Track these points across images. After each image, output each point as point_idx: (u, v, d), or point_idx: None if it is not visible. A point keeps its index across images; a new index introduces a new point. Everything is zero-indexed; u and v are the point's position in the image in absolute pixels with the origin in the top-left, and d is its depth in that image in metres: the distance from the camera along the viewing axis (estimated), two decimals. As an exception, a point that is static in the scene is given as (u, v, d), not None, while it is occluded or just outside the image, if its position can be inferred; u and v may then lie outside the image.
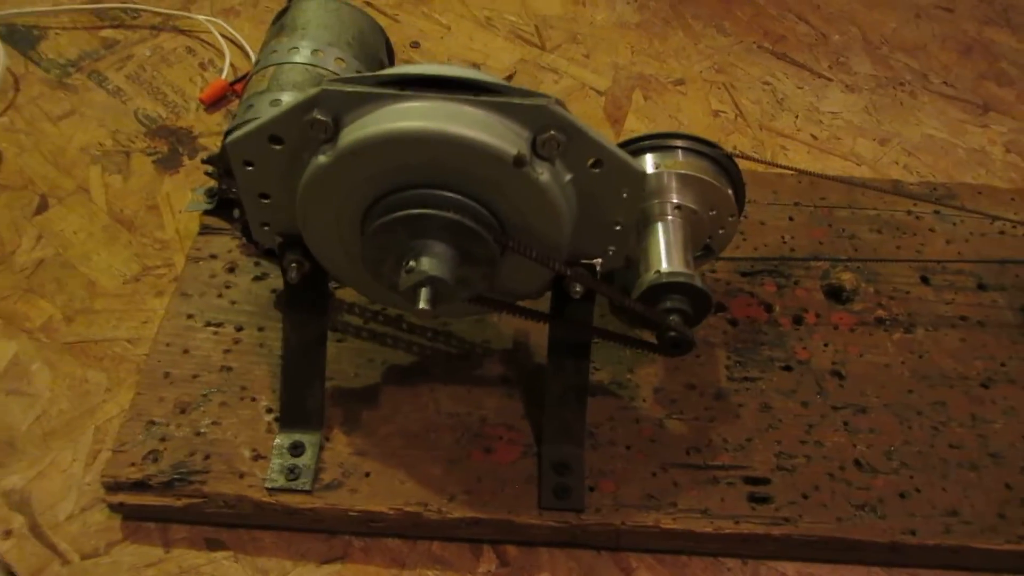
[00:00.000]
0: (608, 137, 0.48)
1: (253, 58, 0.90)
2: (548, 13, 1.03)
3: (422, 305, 0.46)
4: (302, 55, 0.67)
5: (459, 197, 0.47)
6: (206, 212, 0.69)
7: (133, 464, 0.57)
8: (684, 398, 0.64)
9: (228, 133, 0.62)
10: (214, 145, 0.83)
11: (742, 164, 0.63)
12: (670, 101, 0.93)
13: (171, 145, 0.83)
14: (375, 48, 0.73)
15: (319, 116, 0.46)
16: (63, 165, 0.80)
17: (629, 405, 0.63)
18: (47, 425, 0.62)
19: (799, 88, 0.97)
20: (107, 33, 0.93)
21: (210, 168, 0.66)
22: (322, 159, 0.47)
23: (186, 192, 0.79)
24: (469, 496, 0.57)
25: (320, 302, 0.58)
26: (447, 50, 0.96)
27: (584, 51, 0.98)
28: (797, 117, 0.93)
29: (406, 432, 0.60)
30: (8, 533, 0.57)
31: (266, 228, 0.54)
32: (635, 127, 0.89)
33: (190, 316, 0.66)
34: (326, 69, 0.67)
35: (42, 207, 0.77)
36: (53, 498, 0.59)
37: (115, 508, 0.57)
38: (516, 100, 0.46)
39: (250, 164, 0.51)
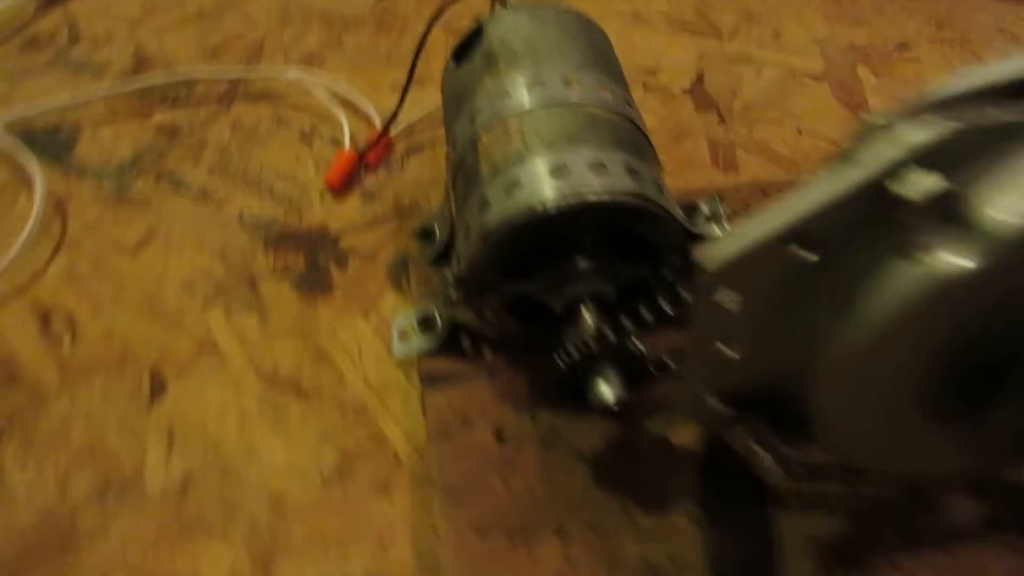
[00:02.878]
0: None
1: (374, 116, 0.66)
2: (703, -7, 0.81)
3: None
4: (551, 90, 0.44)
5: None
6: (430, 354, 0.46)
7: None
8: None
9: (489, 235, 0.39)
10: (368, 244, 0.59)
11: None
12: (905, 73, 0.72)
13: (308, 255, 0.58)
14: (614, 61, 0.51)
15: (943, 186, 0.23)
16: (167, 316, 0.55)
17: None
18: None
19: (1043, 29, 0.77)
20: (161, 118, 0.68)
21: (454, 292, 0.42)
22: (951, 263, 0.24)
23: (356, 321, 0.54)
24: None
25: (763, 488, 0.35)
26: (602, 60, 0.74)
27: (770, 30, 0.76)
28: (1065, 64, 0.73)
29: None
30: None
31: (711, 398, 0.31)
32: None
33: (479, 530, 0.41)
34: (600, 107, 0.44)
35: (158, 389, 0.51)
36: None
37: None
38: None
39: (733, 291, 0.27)
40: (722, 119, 0.67)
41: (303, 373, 0.52)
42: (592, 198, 0.38)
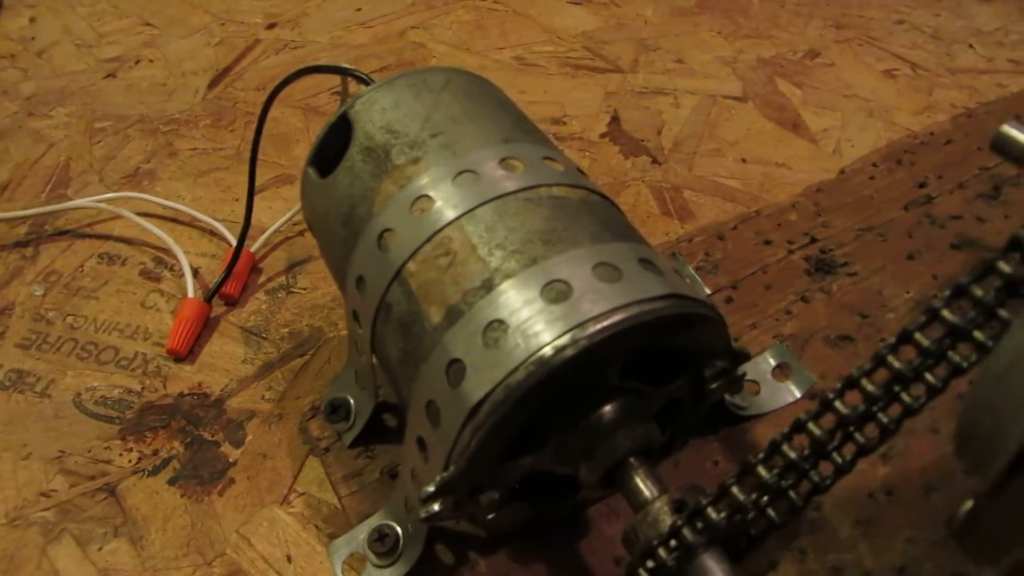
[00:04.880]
0: None
1: (228, 234, 0.51)
2: (587, 28, 0.72)
3: None
4: (489, 178, 0.32)
5: None
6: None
7: None
8: None
9: (479, 413, 0.26)
10: (267, 400, 0.44)
11: None
12: (827, 80, 0.66)
13: (185, 434, 0.43)
14: (530, 121, 0.39)
15: None
16: (-11, 575, 0.38)
17: None
18: None
19: (937, 15, 0.73)
20: (-60, 284, 0.51)
21: (431, 506, 0.29)
22: None
23: (273, 513, 0.39)
24: None
25: None
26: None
27: (672, 57, 0.68)
28: (971, 47, 0.69)
29: None
30: None
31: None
32: (822, 126, 0.60)
33: None
34: (560, 186, 0.32)
35: None
36: None
37: None
38: None
39: None
40: (656, 161, 0.58)
41: (212, 618, 0.36)
42: (621, 318, 0.26)
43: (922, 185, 0.50)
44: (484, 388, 0.26)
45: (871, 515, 0.34)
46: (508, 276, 0.28)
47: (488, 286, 0.28)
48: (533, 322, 0.26)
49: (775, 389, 0.38)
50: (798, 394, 0.38)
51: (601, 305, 0.26)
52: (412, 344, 0.29)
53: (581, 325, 0.26)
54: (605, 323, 0.26)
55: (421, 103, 0.35)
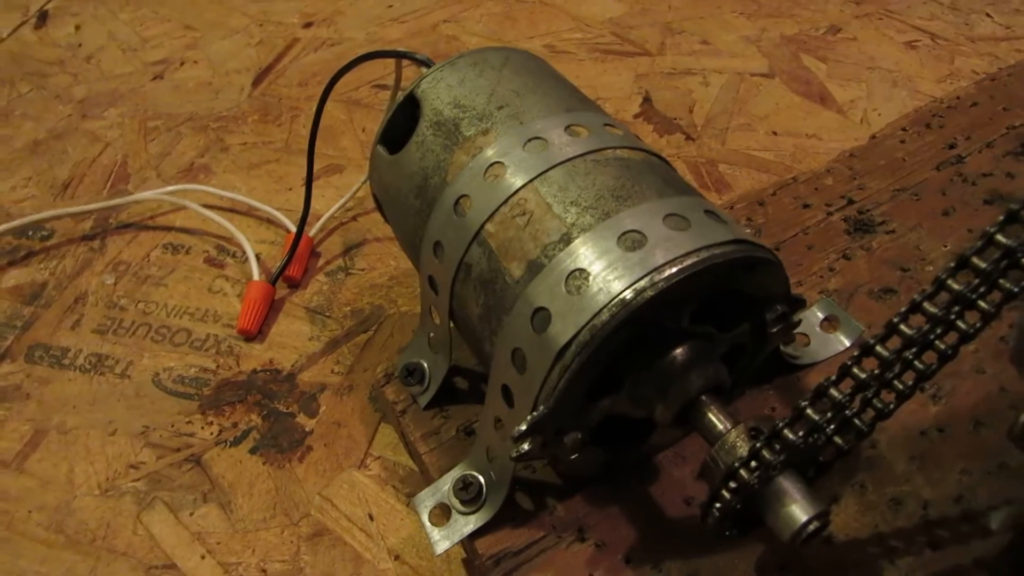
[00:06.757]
0: None
1: (285, 220, 0.54)
2: (613, 15, 0.74)
3: None
4: (558, 143, 0.34)
5: None
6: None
7: None
8: None
9: (567, 355, 0.28)
10: (336, 372, 0.46)
11: None
12: (850, 53, 0.67)
13: (262, 407, 0.45)
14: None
15: None
16: (90, 539, 0.40)
17: None
18: None
19: (953, -12, 0.75)
20: (15, 278, 0.53)
21: (522, 446, 0.32)
22: None
23: (352, 476, 0.41)
24: None
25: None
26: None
27: (697, 38, 0.70)
28: (989, 16, 0.71)
29: None
30: None
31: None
32: (848, 97, 0.62)
33: None
34: (623, 149, 0.34)
35: (105, 647, 0.37)
36: None
37: None
38: None
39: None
40: (689, 137, 0.60)
41: (304, 567, 0.38)
42: (693, 261, 0.28)
43: (952, 146, 0.51)
44: (570, 331, 0.28)
45: (925, 450, 0.36)
46: (584, 230, 0.30)
47: (566, 239, 0.30)
48: (613, 269, 0.28)
49: (824, 340, 0.40)
50: (847, 343, 0.40)
51: (674, 251, 0.28)
52: (494, 299, 0.31)
53: (658, 269, 0.28)
54: (680, 266, 0.28)
55: (485, 79, 0.37)
